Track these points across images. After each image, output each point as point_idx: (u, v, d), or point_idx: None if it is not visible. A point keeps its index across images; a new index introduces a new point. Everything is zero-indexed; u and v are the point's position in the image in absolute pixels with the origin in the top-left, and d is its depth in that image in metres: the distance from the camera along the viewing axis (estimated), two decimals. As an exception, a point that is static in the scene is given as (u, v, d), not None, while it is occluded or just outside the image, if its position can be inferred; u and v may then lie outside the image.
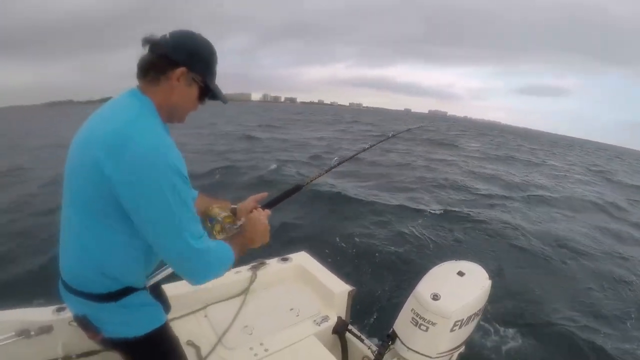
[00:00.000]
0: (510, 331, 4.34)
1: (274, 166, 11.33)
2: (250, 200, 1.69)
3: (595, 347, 4.27)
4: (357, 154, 2.32)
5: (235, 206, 1.71)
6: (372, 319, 3.09)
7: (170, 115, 1.29)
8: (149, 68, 1.22)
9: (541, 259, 6.75)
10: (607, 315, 5.15)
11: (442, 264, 2.31)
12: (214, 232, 1.58)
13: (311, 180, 1.91)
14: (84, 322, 1.29)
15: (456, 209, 8.87)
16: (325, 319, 2.38)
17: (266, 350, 2.03)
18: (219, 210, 1.63)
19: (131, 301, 1.30)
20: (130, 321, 1.32)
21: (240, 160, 12.26)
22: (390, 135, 2.72)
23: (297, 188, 1.84)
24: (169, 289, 1.88)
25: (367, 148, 2.41)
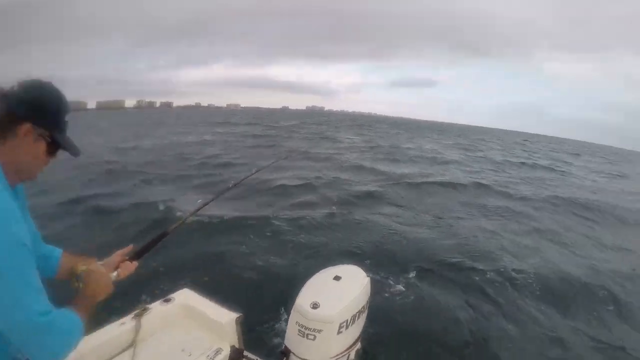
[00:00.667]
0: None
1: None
2: (116, 255, 1.61)
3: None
4: (223, 193, 2.32)
5: (102, 262, 1.60)
6: (266, 340, 3.10)
7: (20, 173, 1.20)
8: None
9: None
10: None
11: (318, 272, 2.42)
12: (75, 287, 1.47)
13: (178, 225, 1.86)
14: None
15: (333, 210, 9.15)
16: (219, 351, 2.32)
17: None
18: (86, 268, 1.51)
19: None
20: None
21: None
22: (254, 171, 2.80)
23: (162, 235, 1.78)
24: None
25: (233, 186, 2.43)
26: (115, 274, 1.53)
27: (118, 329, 2.30)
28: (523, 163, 23.45)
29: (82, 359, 2.05)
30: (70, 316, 1.20)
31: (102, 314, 2.58)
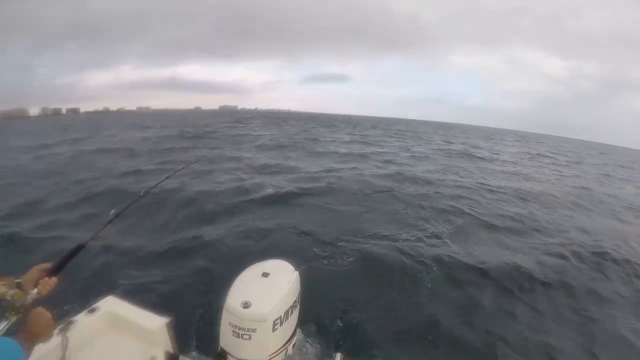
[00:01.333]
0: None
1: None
2: (34, 271, 1.59)
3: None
4: (134, 202, 2.25)
5: (19, 280, 1.57)
6: (201, 341, 3.02)
7: None
8: None
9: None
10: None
11: (245, 270, 2.40)
12: (7, 313, 1.45)
13: (93, 237, 1.85)
14: None
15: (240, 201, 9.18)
16: (153, 359, 2.23)
17: None
18: (6, 289, 1.48)
19: None
20: None
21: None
22: (165, 178, 2.73)
23: (79, 247, 1.75)
24: None
25: (144, 194, 2.39)
26: (35, 291, 1.50)
27: (43, 348, 2.10)
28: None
29: None
30: (12, 345, 1.24)
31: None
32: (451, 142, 34.98)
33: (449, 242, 6.95)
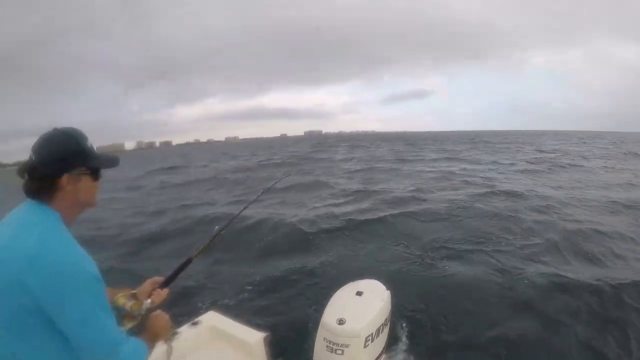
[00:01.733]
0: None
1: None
2: (148, 284, 1.73)
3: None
4: (236, 216, 2.37)
5: (135, 291, 1.71)
6: (294, 357, 3.15)
7: (79, 210, 1.33)
8: (38, 193, 1.23)
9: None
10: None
11: (341, 288, 2.53)
12: (124, 321, 1.60)
13: (200, 251, 1.97)
14: None
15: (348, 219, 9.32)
16: None
17: None
18: (124, 300, 1.64)
19: None
20: None
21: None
22: (261, 192, 2.82)
23: (188, 261, 1.90)
24: None
25: (245, 207, 2.48)
26: (149, 301, 1.65)
27: (150, 356, 2.39)
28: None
29: None
30: (141, 345, 1.39)
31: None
32: (542, 151, 32.16)
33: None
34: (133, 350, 1.32)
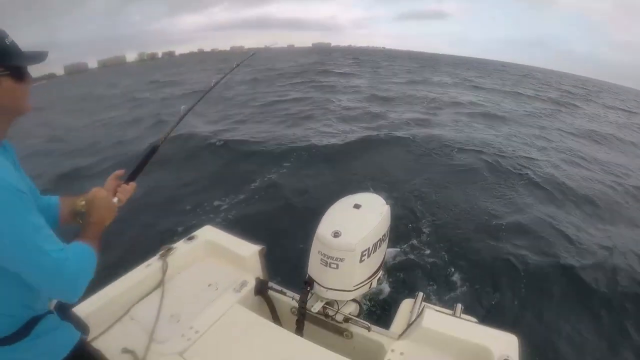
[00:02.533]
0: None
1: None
2: (111, 180, 1.59)
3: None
4: (203, 97, 2.19)
5: None
6: (290, 270, 3.15)
7: (9, 116, 1.20)
8: None
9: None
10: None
11: (338, 201, 2.38)
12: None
13: (165, 137, 1.83)
14: None
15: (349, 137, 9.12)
16: (244, 284, 2.38)
17: (197, 332, 1.99)
18: (83, 202, 1.53)
19: (42, 329, 1.24)
20: (47, 351, 1.27)
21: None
22: (235, 65, 2.60)
23: (153, 150, 1.77)
24: (83, 308, 1.92)
25: (214, 86, 2.30)
26: (115, 199, 1.52)
27: (145, 271, 2.37)
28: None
29: (112, 302, 2.12)
30: (82, 247, 1.24)
31: (128, 257, 2.67)
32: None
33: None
34: (77, 262, 1.17)
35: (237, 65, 2.61)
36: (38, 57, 1.21)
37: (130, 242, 4.42)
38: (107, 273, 1.92)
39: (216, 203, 5.82)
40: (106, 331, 2.01)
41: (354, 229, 2.09)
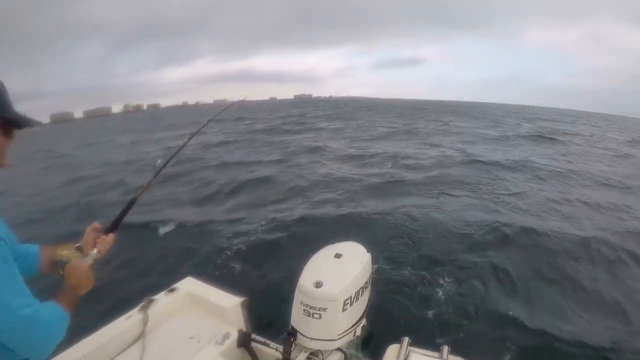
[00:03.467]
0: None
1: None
2: (89, 232, 1.60)
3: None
4: (179, 150, 2.30)
5: (79, 244, 1.60)
6: (273, 322, 3.13)
7: None
8: None
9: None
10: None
11: (319, 251, 2.43)
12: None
13: (143, 190, 1.89)
14: None
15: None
16: (227, 336, 2.35)
17: None
18: (66, 253, 1.54)
19: None
20: None
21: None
22: (207, 121, 2.84)
23: (132, 202, 1.81)
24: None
25: (187, 141, 2.41)
26: (95, 251, 1.54)
27: (125, 323, 2.33)
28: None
29: (91, 355, 2.06)
30: (54, 308, 1.22)
31: (108, 310, 2.63)
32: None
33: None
34: (48, 322, 1.16)
35: (209, 121, 2.85)
36: (30, 123, 1.25)
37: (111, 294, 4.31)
38: (87, 324, 1.90)
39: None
40: None
41: (335, 279, 2.13)
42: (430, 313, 4.33)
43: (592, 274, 5.34)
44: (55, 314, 1.21)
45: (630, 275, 5.35)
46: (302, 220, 7.17)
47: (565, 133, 26.64)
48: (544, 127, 30.76)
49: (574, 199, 9.02)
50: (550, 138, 22.21)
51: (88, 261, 1.49)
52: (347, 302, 2.12)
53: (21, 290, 1.12)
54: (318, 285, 2.08)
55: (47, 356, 1.17)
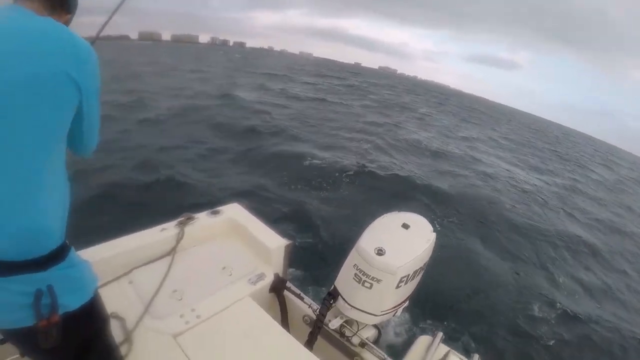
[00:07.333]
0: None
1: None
2: None
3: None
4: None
5: None
6: (312, 275, 2.93)
7: None
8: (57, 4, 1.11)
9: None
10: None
11: (384, 215, 2.14)
12: None
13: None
14: (36, 304, 0.95)
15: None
16: (261, 277, 2.18)
17: (198, 316, 1.80)
18: None
19: (74, 257, 1.09)
20: (79, 286, 1.09)
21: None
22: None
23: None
24: (85, 254, 1.71)
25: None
26: None
27: (158, 235, 2.18)
28: None
29: (115, 258, 1.94)
30: None
31: (144, 215, 2.51)
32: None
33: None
34: None
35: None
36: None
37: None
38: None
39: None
40: (99, 287, 1.87)
41: (400, 251, 1.87)
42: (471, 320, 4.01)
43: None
44: None
45: None
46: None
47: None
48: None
49: None
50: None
51: None
52: (403, 279, 1.87)
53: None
54: (380, 252, 1.83)
55: None
